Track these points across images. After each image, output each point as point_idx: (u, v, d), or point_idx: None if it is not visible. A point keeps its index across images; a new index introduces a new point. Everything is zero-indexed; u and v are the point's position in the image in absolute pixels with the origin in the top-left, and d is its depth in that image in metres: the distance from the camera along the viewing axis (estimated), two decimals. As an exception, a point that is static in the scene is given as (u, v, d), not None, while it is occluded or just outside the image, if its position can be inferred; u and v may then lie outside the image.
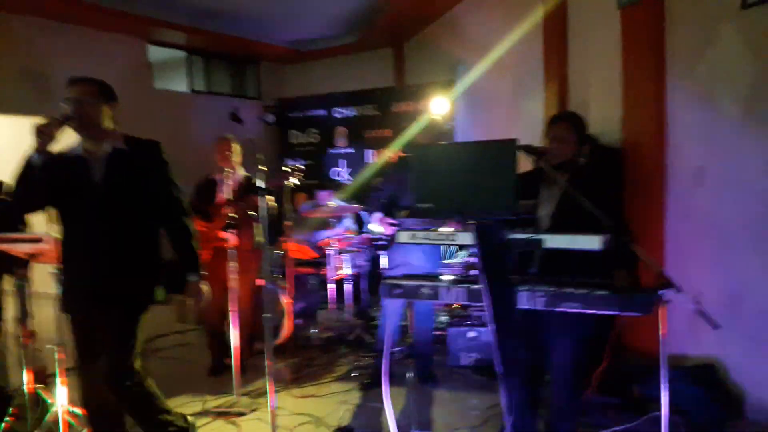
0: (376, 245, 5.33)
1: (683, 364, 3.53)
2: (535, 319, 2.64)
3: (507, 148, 2.25)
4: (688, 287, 2.22)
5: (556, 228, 2.74)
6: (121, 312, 2.62)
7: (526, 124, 5.38)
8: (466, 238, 2.43)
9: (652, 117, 3.81)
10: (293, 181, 4.11)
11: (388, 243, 4.16)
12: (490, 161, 2.29)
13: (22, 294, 3.22)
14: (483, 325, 4.30)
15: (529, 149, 2.74)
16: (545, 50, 5.08)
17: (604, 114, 4.39)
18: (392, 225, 4.00)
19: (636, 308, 2.16)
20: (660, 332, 2.20)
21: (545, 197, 2.93)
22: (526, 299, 2.36)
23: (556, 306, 2.32)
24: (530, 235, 2.33)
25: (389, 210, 4.14)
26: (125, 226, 2.63)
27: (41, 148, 2.42)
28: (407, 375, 4.12)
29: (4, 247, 3.22)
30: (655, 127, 3.80)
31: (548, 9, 4.97)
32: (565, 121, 2.95)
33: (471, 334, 4.29)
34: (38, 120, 2.41)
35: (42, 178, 2.46)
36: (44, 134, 2.39)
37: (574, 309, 2.29)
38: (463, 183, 2.35)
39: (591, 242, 2.24)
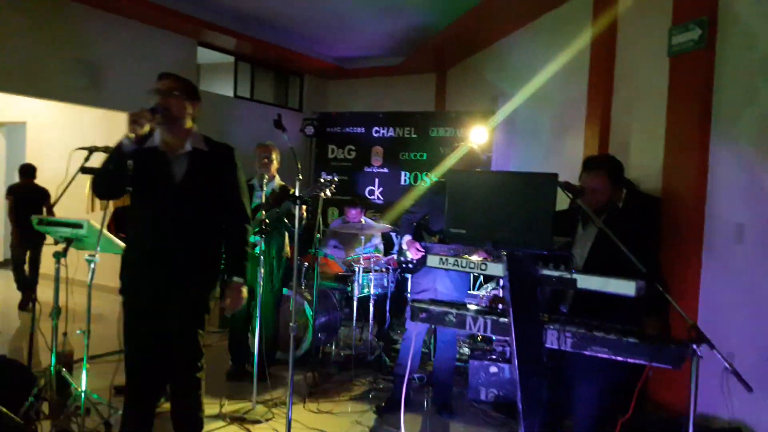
0: (403, 267, 5.34)
1: (710, 425, 3.44)
2: (561, 360, 2.62)
3: (547, 182, 2.25)
4: (720, 345, 2.18)
5: (589, 269, 2.72)
6: (188, 310, 2.68)
7: (565, 160, 5.37)
8: (497, 269, 2.43)
9: (694, 168, 3.77)
10: (327, 192, 4.14)
11: (416, 266, 4.17)
12: (528, 194, 2.29)
13: (57, 277, 3.30)
14: (506, 360, 4.26)
15: (569, 187, 2.74)
16: (590, 89, 5.08)
17: (644, 160, 4.37)
18: (420, 249, 4.01)
19: (666, 360, 2.13)
20: (690, 388, 2.16)
21: (581, 237, 2.92)
22: (554, 339, 2.35)
23: (584, 349, 2.30)
24: (563, 273, 2.31)
25: (419, 233, 4.16)
26: (197, 224, 2.68)
27: (133, 136, 2.46)
28: (425, 403, 4.09)
29: (47, 230, 3.34)
30: (696, 179, 3.76)
31: (596, 48, 4.98)
32: (599, 169, 2.91)
33: (493, 368, 4.24)
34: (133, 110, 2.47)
35: (126, 164, 2.51)
36: (137, 123, 2.44)
37: (602, 354, 2.27)
38: (498, 212, 2.35)
39: (625, 287, 2.21)
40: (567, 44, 5.35)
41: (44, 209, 6.60)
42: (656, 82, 4.15)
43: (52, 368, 3.22)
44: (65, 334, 3.37)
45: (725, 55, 3.65)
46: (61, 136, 8.20)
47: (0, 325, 5.84)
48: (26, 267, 6.59)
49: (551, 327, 2.36)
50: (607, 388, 2.71)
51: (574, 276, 2.29)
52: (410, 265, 4.14)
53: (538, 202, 2.23)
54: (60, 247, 3.24)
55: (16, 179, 7.24)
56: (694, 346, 2.10)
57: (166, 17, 6.84)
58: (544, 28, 6.10)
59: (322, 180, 4.16)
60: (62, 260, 3.24)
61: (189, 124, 2.72)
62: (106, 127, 7.39)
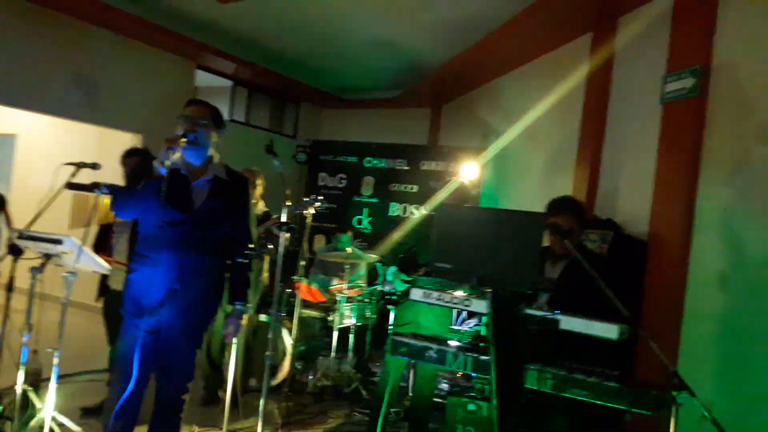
0: (386, 299, 5.28)
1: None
2: (539, 400, 2.57)
3: (535, 221, 2.25)
4: (699, 392, 2.15)
5: (554, 306, 2.72)
6: (188, 332, 2.71)
7: (554, 201, 5.38)
8: (481, 305, 2.41)
9: (681, 215, 3.77)
10: (311, 210, 4.08)
11: (399, 299, 4.12)
12: (516, 231, 2.29)
13: (32, 292, 3.23)
14: (485, 398, 4.18)
15: (555, 227, 2.74)
16: (582, 131, 5.12)
17: (632, 203, 4.39)
18: (404, 281, 3.97)
19: (646, 406, 2.10)
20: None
21: (548, 274, 2.94)
22: (534, 379, 2.31)
23: (563, 390, 2.28)
24: (546, 313, 2.29)
25: (405, 266, 4.13)
26: (209, 249, 2.72)
27: (168, 163, 2.51)
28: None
29: (26, 244, 3.27)
30: (682, 226, 3.76)
31: (590, 91, 5.04)
32: (567, 210, 2.95)
33: (471, 406, 4.17)
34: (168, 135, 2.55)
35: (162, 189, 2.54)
36: (171, 149, 2.49)
37: (582, 397, 2.24)
38: (485, 249, 2.34)
39: (608, 331, 2.20)
40: (561, 86, 5.41)
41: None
42: (648, 127, 4.19)
43: (18, 387, 3.12)
44: (35, 351, 3.29)
45: (717, 104, 3.69)
46: (51, 150, 8.14)
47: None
48: None
49: (531, 367, 2.32)
50: (584, 426, 2.66)
51: (557, 316, 2.27)
52: (394, 297, 4.10)
53: (525, 240, 2.23)
54: (37, 262, 3.18)
55: (4, 190, 7.19)
56: (675, 393, 2.07)
57: (166, 39, 6.87)
58: (540, 69, 6.19)
59: (305, 198, 4.11)
60: (38, 275, 3.17)
61: (212, 151, 2.78)
62: (98, 144, 7.35)
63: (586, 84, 5.10)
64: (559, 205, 3.02)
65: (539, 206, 5.42)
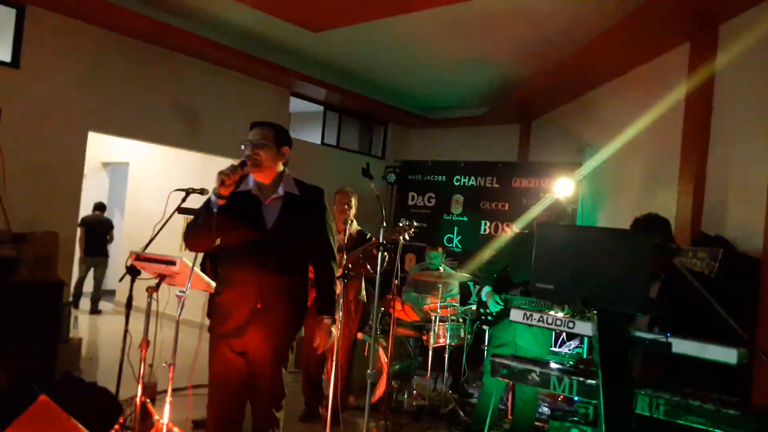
0: (482, 319, 5.23)
1: None
2: (652, 429, 2.46)
3: (644, 241, 2.17)
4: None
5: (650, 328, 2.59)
6: (270, 350, 2.73)
7: (655, 217, 5.14)
8: (585, 327, 2.33)
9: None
10: (406, 236, 4.13)
11: (496, 319, 4.07)
12: (623, 252, 2.20)
13: (149, 311, 3.46)
14: (590, 423, 4.03)
15: (663, 247, 2.63)
16: (684, 143, 4.88)
17: (743, 218, 4.13)
18: (498, 302, 3.92)
19: (773, 436, 1.95)
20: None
21: None
22: (646, 405, 2.21)
23: (678, 418, 2.15)
24: (657, 336, 2.19)
25: (500, 286, 4.07)
26: (286, 267, 2.76)
27: (221, 193, 2.58)
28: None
29: (142, 265, 3.52)
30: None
31: (691, 102, 4.81)
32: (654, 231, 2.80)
33: (574, 431, 4.02)
34: (223, 168, 2.59)
35: (218, 219, 2.62)
36: (225, 181, 2.56)
37: (698, 425, 2.11)
38: (589, 269, 2.27)
39: (726, 355, 2.07)
40: (659, 97, 5.20)
41: (108, 237, 8.82)
42: (758, 138, 3.94)
43: (137, 399, 3.34)
44: (151, 365, 3.51)
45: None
46: (158, 177, 8.72)
47: (93, 353, 6.16)
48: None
49: (642, 392, 2.22)
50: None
51: (669, 339, 2.16)
52: (489, 317, 4.04)
53: (632, 260, 2.14)
54: (153, 281, 3.41)
55: (117, 216, 7.94)
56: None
57: (262, 68, 7.23)
58: (636, 81, 5.97)
59: (401, 224, 4.16)
60: (154, 294, 3.41)
61: (280, 168, 2.82)
62: (201, 170, 7.80)
63: (687, 94, 4.86)
64: (645, 223, 2.89)
65: (640, 223, 5.19)
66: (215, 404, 2.76)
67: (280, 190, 2.78)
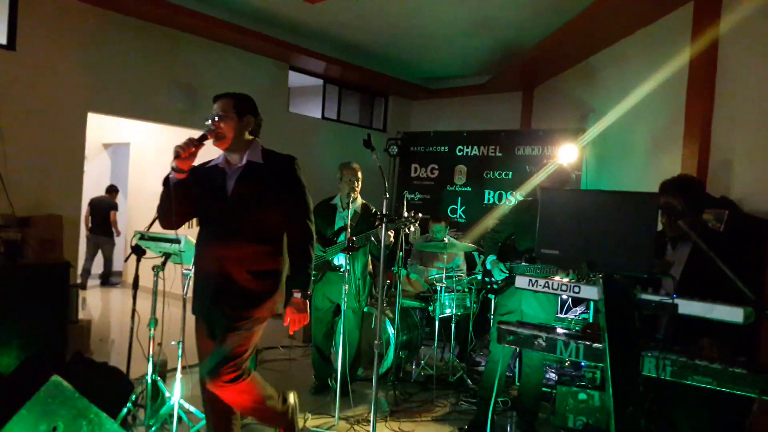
0: (487, 288, 5.23)
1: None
2: (659, 390, 2.47)
3: (648, 201, 2.14)
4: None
5: (683, 292, 2.56)
6: (239, 318, 2.68)
7: (661, 180, 5.10)
8: (591, 292, 2.33)
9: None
10: (410, 229, 4.16)
11: (501, 287, 4.07)
12: (628, 213, 2.18)
13: (155, 289, 3.47)
14: (597, 387, 4.06)
15: (669, 208, 2.61)
16: (688, 105, 4.82)
17: (749, 179, 4.09)
18: (503, 270, 3.92)
19: (781, 394, 1.95)
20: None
21: (670, 259, 2.77)
22: (652, 366, 2.21)
23: (684, 378, 2.16)
24: (663, 298, 2.18)
25: (505, 254, 4.07)
26: (250, 237, 2.70)
27: (178, 166, 2.58)
28: (508, 429, 3.96)
29: (147, 244, 3.52)
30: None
31: (696, 63, 4.73)
32: (676, 191, 2.76)
33: (582, 395, 4.06)
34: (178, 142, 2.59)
35: (180, 196, 2.61)
36: (180, 154, 2.55)
37: (705, 384, 2.11)
38: (594, 233, 2.25)
39: (732, 314, 2.06)
40: (663, 60, 5.12)
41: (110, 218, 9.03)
42: (763, 98, 3.88)
43: (148, 377, 3.37)
44: (160, 344, 3.53)
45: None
46: (159, 156, 8.70)
47: (102, 334, 6.22)
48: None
49: (649, 354, 2.22)
50: (710, 421, 2.51)
51: (676, 301, 2.15)
52: (495, 286, 4.05)
53: (637, 222, 2.12)
54: (158, 260, 3.42)
55: (120, 197, 8.01)
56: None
57: (260, 43, 7.14)
58: (638, 44, 5.87)
59: (405, 214, 4.16)
60: (160, 273, 3.42)
61: (246, 137, 2.78)
62: (202, 149, 7.76)
63: (691, 55, 4.78)
64: (670, 185, 2.86)
65: (644, 186, 5.17)
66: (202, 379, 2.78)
67: (243, 160, 2.74)
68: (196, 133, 2.70)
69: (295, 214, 2.80)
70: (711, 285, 2.26)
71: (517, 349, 4.23)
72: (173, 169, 2.58)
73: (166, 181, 2.63)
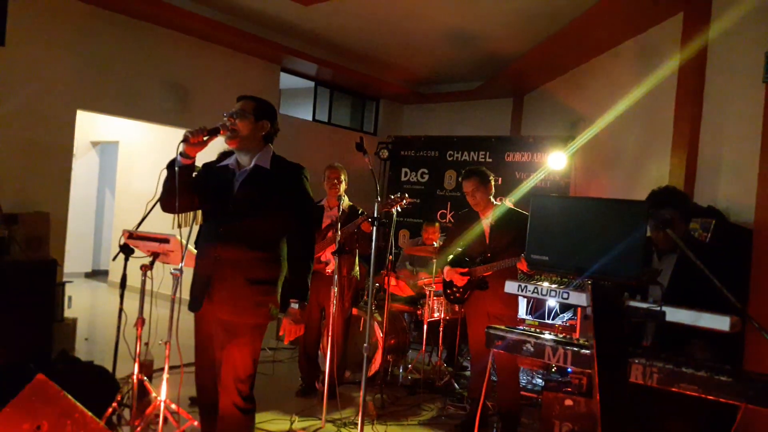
0: (451, 299, 5.25)
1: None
2: (645, 397, 2.49)
3: (638, 209, 2.16)
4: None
5: (669, 301, 2.59)
6: (238, 322, 2.67)
7: (649, 188, 5.15)
8: (579, 298, 2.35)
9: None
10: (399, 208, 4.14)
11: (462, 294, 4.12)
12: (617, 221, 2.20)
13: (143, 289, 3.45)
14: (583, 393, 4.08)
15: (657, 217, 2.64)
16: (677, 115, 4.87)
17: (735, 189, 4.14)
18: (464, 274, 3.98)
19: (765, 401, 1.98)
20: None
21: (657, 266, 2.81)
22: (639, 374, 2.23)
23: (671, 386, 2.18)
24: (651, 306, 2.21)
25: (459, 260, 4.16)
26: (248, 241, 2.68)
27: (186, 151, 2.57)
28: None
29: (136, 244, 3.50)
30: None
31: (684, 73, 4.78)
32: (668, 203, 2.81)
33: (568, 402, 4.07)
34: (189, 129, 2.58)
35: (184, 181, 2.60)
36: (189, 139, 2.53)
37: (691, 392, 2.13)
38: (584, 240, 2.26)
39: (719, 322, 2.08)
40: (652, 69, 5.18)
41: None
42: (750, 108, 3.93)
43: (134, 376, 3.34)
44: (147, 344, 3.51)
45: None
46: (148, 155, 8.65)
47: (88, 333, 6.16)
48: None
49: (636, 361, 2.24)
50: (696, 429, 2.54)
51: (663, 308, 2.18)
52: (457, 295, 4.15)
53: (627, 230, 2.14)
54: (147, 260, 3.40)
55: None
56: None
57: (251, 43, 7.12)
58: (628, 53, 5.94)
59: (392, 196, 4.17)
60: (148, 273, 3.39)
61: (259, 141, 2.78)
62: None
63: (680, 65, 4.84)
64: (659, 196, 2.90)
65: (632, 195, 5.22)
66: (197, 372, 2.84)
67: (252, 163, 2.74)
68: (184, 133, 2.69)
69: (297, 224, 2.79)
70: (697, 293, 2.29)
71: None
72: (180, 153, 2.57)
73: (172, 164, 2.63)
